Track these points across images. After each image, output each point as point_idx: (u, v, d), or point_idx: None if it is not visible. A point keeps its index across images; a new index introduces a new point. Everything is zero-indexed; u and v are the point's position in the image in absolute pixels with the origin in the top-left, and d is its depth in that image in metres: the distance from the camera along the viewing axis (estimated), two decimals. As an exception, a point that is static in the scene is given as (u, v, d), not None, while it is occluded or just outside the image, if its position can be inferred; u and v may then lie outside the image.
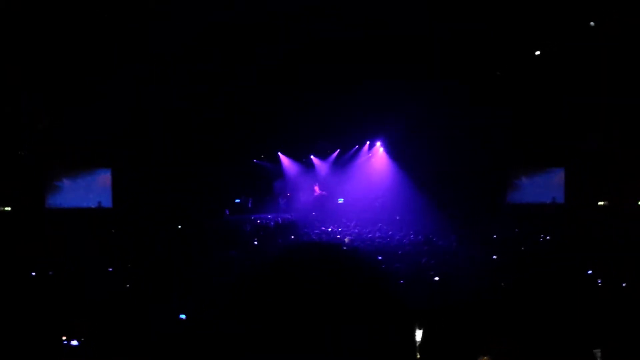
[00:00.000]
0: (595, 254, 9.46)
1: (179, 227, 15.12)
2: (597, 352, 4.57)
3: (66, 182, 19.13)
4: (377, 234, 13.66)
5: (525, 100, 16.43)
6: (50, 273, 8.34)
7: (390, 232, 13.90)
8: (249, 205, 20.71)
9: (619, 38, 13.12)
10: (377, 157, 21.00)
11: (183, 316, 5.94)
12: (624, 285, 7.53)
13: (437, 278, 8.05)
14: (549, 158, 19.22)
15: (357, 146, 20.95)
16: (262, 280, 6.93)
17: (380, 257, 10.27)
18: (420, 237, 13.03)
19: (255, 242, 12.38)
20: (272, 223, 16.67)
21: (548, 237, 12.85)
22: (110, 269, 8.76)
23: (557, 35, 13.55)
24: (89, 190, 19.17)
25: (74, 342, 4.89)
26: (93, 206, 18.87)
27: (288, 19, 12.95)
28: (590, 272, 8.33)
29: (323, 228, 15.07)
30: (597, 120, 16.31)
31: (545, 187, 19.66)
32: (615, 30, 12.88)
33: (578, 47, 13.85)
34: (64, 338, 4.88)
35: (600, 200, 18.18)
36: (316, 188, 20.94)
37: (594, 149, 16.97)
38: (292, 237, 13.39)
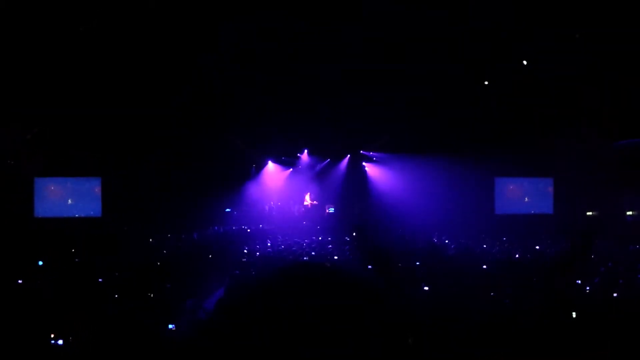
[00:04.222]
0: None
1: (168, 236, 15.04)
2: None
3: (55, 191, 18.94)
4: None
5: (511, 110, 16.59)
6: (38, 282, 8.27)
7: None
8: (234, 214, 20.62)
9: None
10: (367, 167, 21.05)
11: (172, 326, 5.90)
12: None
13: (426, 288, 8.07)
14: (538, 168, 19.31)
15: (349, 155, 20.98)
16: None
17: (370, 267, 10.32)
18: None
19: (245, 250, 12.33)
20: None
21: (537, 247, 12.87)
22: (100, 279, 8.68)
23: (543, 45, 13.74)
24: (78, 199, 18.99)
25: (60, 342, 4.89)
26: (82, 215, 18.72)
27: None
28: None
29: (314, 237, 15.09)
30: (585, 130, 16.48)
31: (533, 197, 19.74)
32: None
33: (568, 57, 14.01)
34: (52, 336, 4.89)
35: (589, 211, 18.29)
36: (307, 197, 20.90)
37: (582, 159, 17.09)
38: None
